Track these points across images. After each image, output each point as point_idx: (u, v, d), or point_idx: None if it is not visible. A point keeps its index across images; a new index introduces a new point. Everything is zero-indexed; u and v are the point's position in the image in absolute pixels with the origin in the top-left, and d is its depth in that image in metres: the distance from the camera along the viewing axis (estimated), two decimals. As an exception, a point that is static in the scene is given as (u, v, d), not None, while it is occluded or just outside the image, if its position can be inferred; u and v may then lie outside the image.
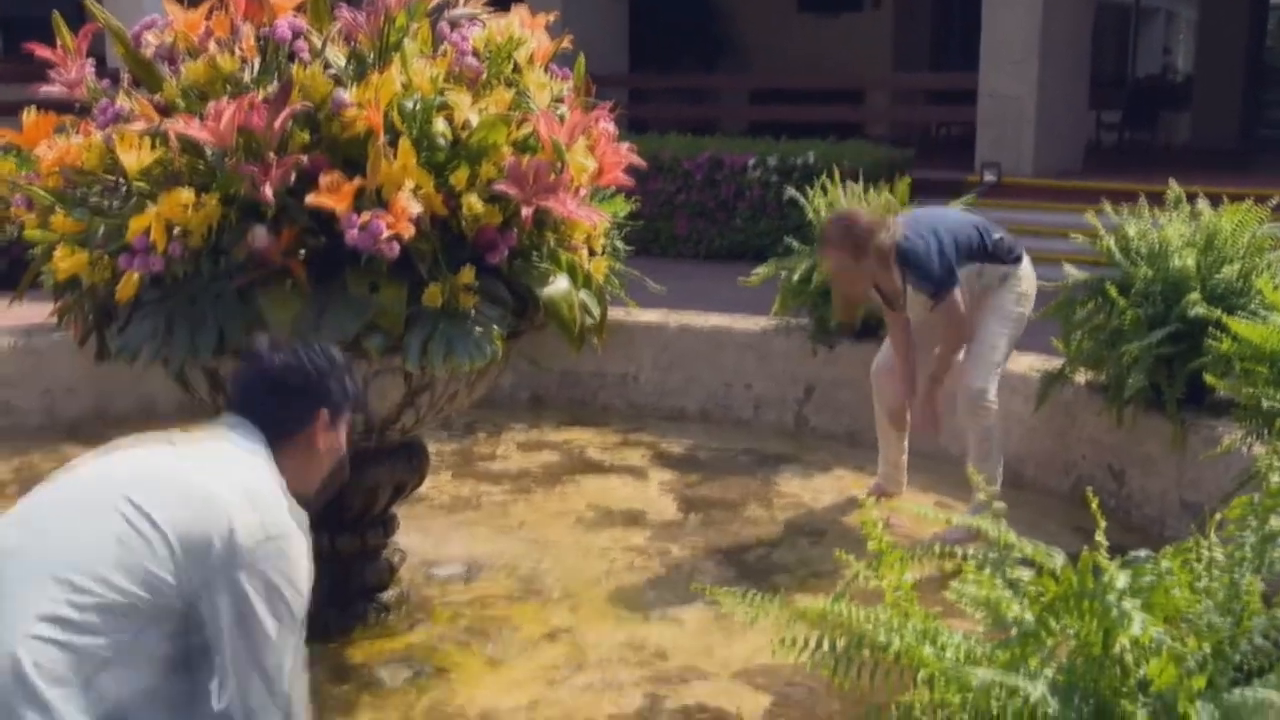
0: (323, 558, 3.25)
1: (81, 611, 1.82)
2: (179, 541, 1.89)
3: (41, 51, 2.96)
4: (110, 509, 1.90)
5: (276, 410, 2.18)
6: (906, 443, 4.43)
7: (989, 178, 9.62)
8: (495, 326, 2.80)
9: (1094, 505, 1.72)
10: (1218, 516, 1.79)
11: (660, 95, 13.31)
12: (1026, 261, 4.16)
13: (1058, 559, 1.60)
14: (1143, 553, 1.63)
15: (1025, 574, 1.67)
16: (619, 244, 5.06)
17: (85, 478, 2.02)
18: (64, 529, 1.91)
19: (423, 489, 3.59)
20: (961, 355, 4.14)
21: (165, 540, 1.88)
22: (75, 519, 1.92)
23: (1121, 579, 1.48)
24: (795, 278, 5.06)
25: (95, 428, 5.22)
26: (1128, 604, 1.43)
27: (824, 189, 5.29)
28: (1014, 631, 1.53)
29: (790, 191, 5.92)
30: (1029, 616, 1.51)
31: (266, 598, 1.93)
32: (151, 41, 2.94)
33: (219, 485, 1.97)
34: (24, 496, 2.04)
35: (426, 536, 4.03)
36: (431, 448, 3.49)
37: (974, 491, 3.88)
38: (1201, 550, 1.65)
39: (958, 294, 3.94)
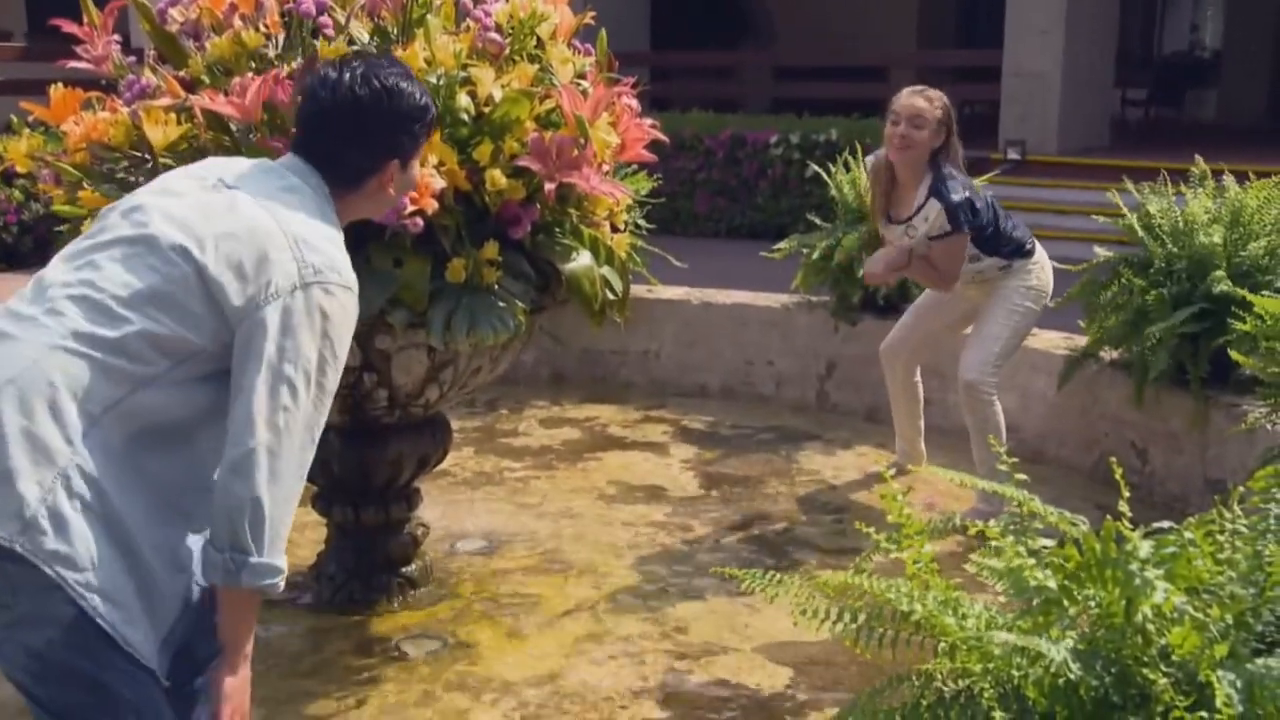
0: (346, 531, 3.33)
1: (118, 334, 1.73)
2: (218, 278, 1.77)
3: (68, 27, 2.98)
4: (152, 244, 1.79)
5: (341, 158, 1.99)
6: (922, 422, 4.43)
7: (1013, 155, 9.55)
8: (518, 301, 2.81)
9: (1118, 474, 1.73)
10: (1241, 490, 1.79)
11: (682, 72, 13.26)
12: (1040, 255, 4.04)
13: (1081, 527, 1.60)
14: (1166, 524, 1.64)
15: (1047, 544, 1.67)
16: (641, 221, 5.07)
17: (130, 214, 1.87)
18: (106, 260, 1.80)
19: (445, 464, 3.62)
20: (967, 333, 4.12)
21: (201, 276, 1.77)
22: (117, 251, 1.81)
23: (1144, 548, 1.48)
24: (817, 254, 5.06)
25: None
26: (1150, 573, 1.43)
27: (846, 166, 5.28)
28: (1035, 600, 1.53)
29: (813, 169, 5.91)
30: (1051, 585, 1.52)
31: (296, 344, 1.78)
32: (176, 17, 2.95)
33: (267, 225, 1.83)
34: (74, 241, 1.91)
35: (449, 511, 4.07)
36: (454, 423, 3.51)
37: (989, 477, 3.90)
38: (1225, 521, 1.65)
39: (967, 239, 3.85)
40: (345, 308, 1.86)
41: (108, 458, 1.72)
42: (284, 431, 1.77)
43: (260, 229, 1.83)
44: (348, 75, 1.99)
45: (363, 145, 2.00)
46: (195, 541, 1.86)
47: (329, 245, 1.88)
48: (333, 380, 1.85)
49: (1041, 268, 4.04)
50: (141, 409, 1.76)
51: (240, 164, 2.00)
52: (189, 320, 1.78)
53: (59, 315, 1.75)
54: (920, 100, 3.84)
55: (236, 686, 1.84)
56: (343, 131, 1.98)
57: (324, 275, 1.83)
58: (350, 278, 1.88)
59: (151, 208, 1.87)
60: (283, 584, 1.82)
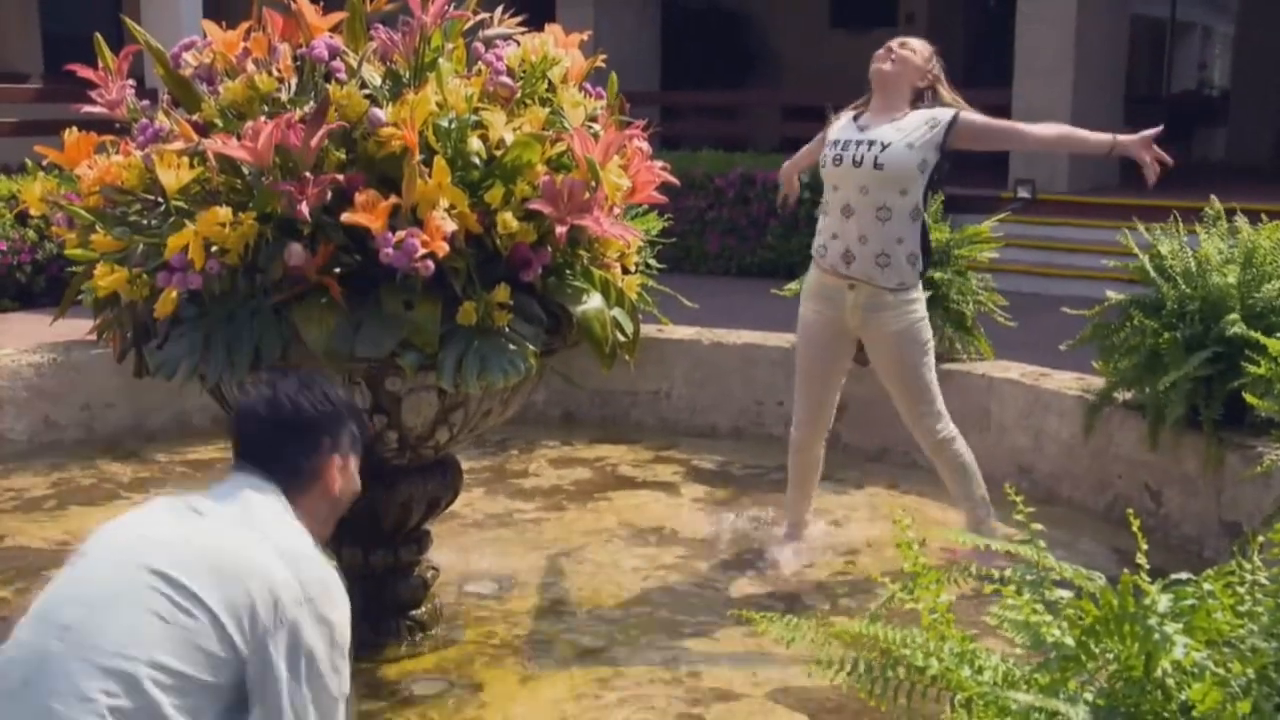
0: (356, 574, 3.30)
1: (136, 700, 1.73)
2: (224, 613, 1.81)
3: (83, 72, 3.00)
4: (147, 588, 1.81)
5: (285, 456, 2.10)
6: (815, 492, 4.28)
7: (1023, 194, 9.55)
8: (529, 344, 2.81)
9: (1135, 526, 1.71)
10: (1260, 539, 1.77)
11: (692, 112, 13.31)
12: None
13: (1097, 581, 1.58)
14: (1184, 575, 1.61)
15: (1064, 595, 1.65)
16: (651, 261, 5.07)
17: (110, 558, 1.90)
18: (102, 617, 1.79)
19: (455, 505, 3.59)
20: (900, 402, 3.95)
21: (210, 614, 1.80)
22: (112, 604, 1.80)
23: (1163, 602, 1.46)
24: (828, 295, 5.04)
25: (133, 442, 5.29)
26: (1170, 627, 1.41)
27: (857, 206, 5.26)
28: (1053, 654, 1.51)
29: (822, 208, 5.88)
30: (1068, 639, 1.50)
31: (306, 665, 1.87)
32: (190, 62, 2.97)
33: (252, 550, 1.90)
34: (44, 590, 1.91)
35: (459, 553, 4.04)
36: (464, 464, 3.50)
37: (975, 510, 3.88)
38: (1244, 573, 1.63)
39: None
40: (344, 611, 1.97)
41: None
42: None
43: (256, 556, 1.89)
44: (282, 385, 2.14)
45: (306, 443, 2.12)
46: None
47: (316, 555, 1.98)
48: (344, 683, 1.94)
49: (921, 295, 3.90)
50: None
51: (198, 494, 2.07)
52: (201, 659, 1.80)
53: (61, 699, 1.71)
54: (902, 41, 3.91)
55: None
56: (284, 430, 2.10)
57: (326, 586, 1.94)
58: (340, 581, 1.99)
59: (138, 542, 1.90)
60: None
